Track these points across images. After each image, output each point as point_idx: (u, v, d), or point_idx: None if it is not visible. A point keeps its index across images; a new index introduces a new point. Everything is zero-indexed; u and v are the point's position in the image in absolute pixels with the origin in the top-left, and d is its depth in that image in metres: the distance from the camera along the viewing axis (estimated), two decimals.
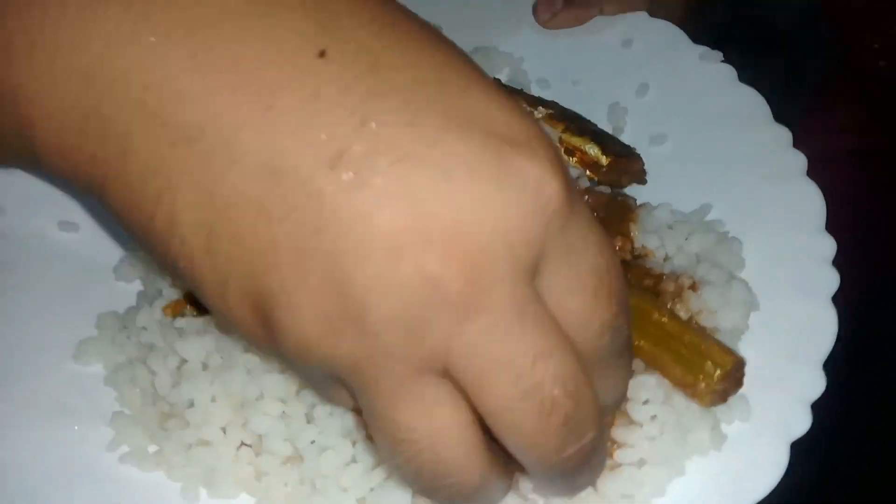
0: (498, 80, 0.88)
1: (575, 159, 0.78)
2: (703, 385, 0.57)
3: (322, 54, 0.32)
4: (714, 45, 0.88)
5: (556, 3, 0.92)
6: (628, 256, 0.69)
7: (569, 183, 0.35)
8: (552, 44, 0.93)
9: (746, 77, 0.84)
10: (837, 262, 0.67)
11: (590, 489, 0.53)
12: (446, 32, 0.90)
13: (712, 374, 0.56)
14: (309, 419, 0.58)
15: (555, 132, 0.79)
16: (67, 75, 0.32)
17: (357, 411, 0.52)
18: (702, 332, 0.60)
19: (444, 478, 0.36)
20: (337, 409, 0.57)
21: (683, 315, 0.63)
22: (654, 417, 0.57)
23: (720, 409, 0.59)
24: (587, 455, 0.38)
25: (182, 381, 0.60)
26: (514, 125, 0.34)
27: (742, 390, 0.60)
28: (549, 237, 0.34)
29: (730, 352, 0.58)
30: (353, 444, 0.57)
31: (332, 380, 0.37)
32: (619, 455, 0.55)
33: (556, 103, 0.85)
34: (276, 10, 0.32)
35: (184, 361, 0.61)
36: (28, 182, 0.74)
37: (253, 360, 0.59)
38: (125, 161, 0.32)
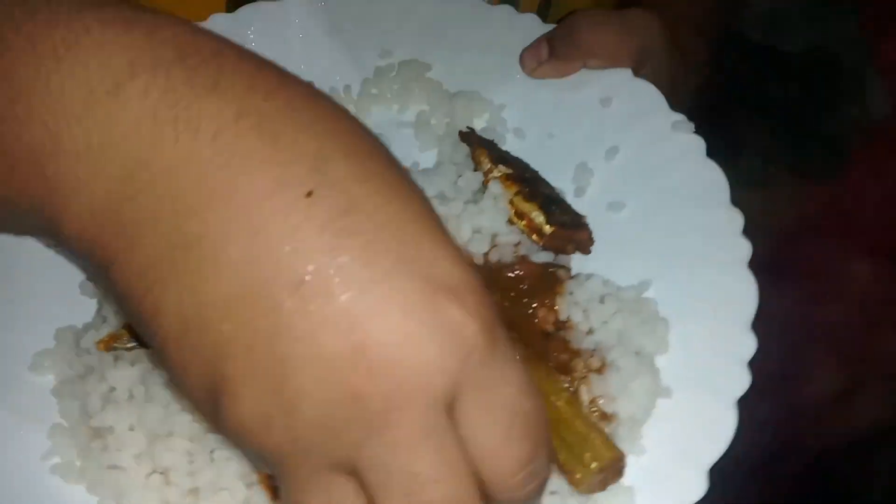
0: (472, 130, 0.90)
1: (524, 223, 0.80)
2: (579, 475, 0.59)
3: (309, 194, 0.38)
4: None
5: (542, 53, 0.93)
6: (550, 328, 0.71)
7: (492, 328, 0.40)
8: (534, 94, 0.94)
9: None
10: (754, 363, 0.67)
11: None
12: (437, 72, 0.92)
13: (589, 465, 0.59)
14: (211, 459, 0.63)
15: (507, 193, 0.81)
16: (105, 183, 0.39)
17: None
18: (589, 422, 0.61)
19: None
20: (236, 452, 0.61)
21: (586, 397, 0.65)
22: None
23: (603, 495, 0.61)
24: None
25: (108, 406, 0.66)
26: (453, 273, 0.39)
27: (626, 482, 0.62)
28: (465, 374, 0.38)
29: (611, 447, 0.60)
30: (248, 486, 0.62)
31: (260, 459, 0.42)
32: None
33: (520, 161, 0.86)
34: (281, 149, 0.39)
35: (113, 388, 0.67)
36: None
37: (170, 397, 0.65)
38: (132, 253, 0.39)
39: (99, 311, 0.76)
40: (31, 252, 0.80)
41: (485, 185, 0.82)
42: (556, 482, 0.59)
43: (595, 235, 0.81)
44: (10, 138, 0.39)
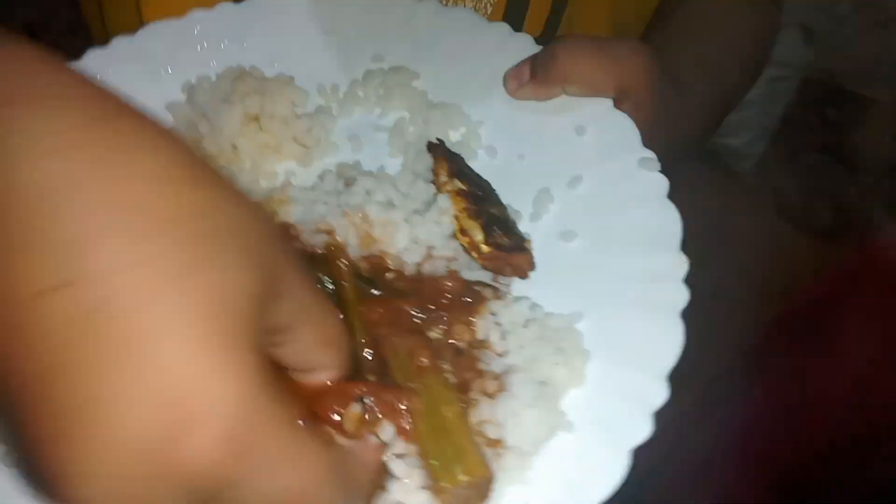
0: (440, 142, 0.91)
1: (466, 240, 0.80)
2: (444, 483, 0.59)
3: None
4: None
5: (524, 75, 0.93)
6: (462, 345, 0.71)
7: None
8: (512, 115, 0.94)
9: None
10: (659, 413, 0.65)
11: None
12: (424, 82, 0.92)
13: (456, 476, 0.58)
14: None
15: (454, 208, 0.81)
16: None
17: None
18: (471, 438, 0.61)
19: None
20: None
21: (474, 419, 0.65)
22: None
23: None
24: None
25: None
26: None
27: None
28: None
29: (484, 466, 0.59)
30: None
31: None
32: None
33: (479, 179, 0.87)
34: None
35: None
36: None
37: None
38: None
39: None
40: None
41: (436, 196, 0.83)
42: (418, 497, 0.59)
43: (540, 262, 0.80)
44: None
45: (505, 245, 0.77)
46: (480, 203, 0.81)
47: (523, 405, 0.64)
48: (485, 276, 0.77)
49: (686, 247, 0.79)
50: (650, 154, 0.85)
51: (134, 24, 1.01)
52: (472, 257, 0.79)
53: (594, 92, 0.91)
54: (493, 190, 0.86)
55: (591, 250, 0.81)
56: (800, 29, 2.22)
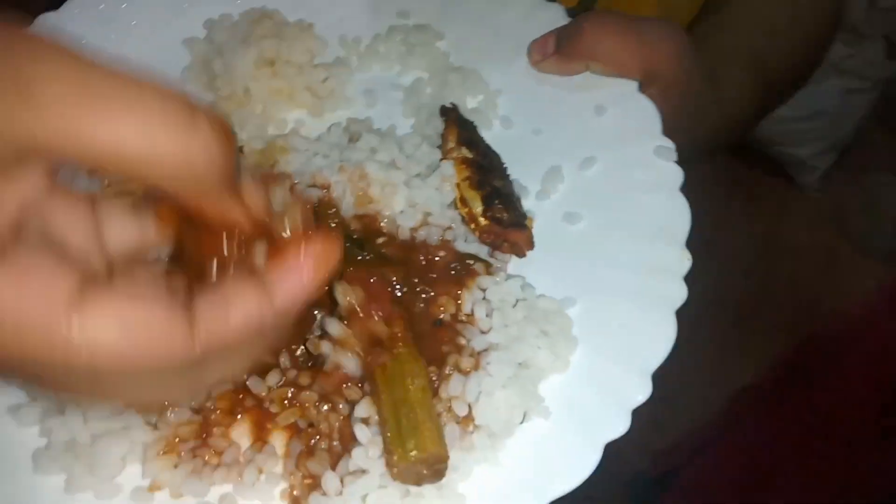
0: (454, 107, 0.88)
1: (465, 210, 0.78)
2: (395, 457, 0.58)
3: None
4: None
5: (548, 47, 0.89)
6: (446, 317, 0.69)
7: None
8: (533, 88, 0.91)
9: None
10: (638, 412, 0.64)
11: None
12: (447, 44, 0.94)
13: (409, 451, 0.58)
14: None
15: (457, 176, 0.79)
16: None
17: None
18: (431, 414, 0.60)
19: None
20: None
21: (444, 394, 0.63)
22: None
23: None
24: None
25: None
26: None
27: (462, 488, 0.60)
28: None
29: (438, 443, 0.58)
30: None
31: None
32: None
33: (489, 150, 0.84)
34: None
35: None
36: None
37: None
38: None
39: None
40: None
41: (440, 162, 0.80)
42: (378, 466, 0.58)
43: (540, 242, 0.78)
44: None
45: (504, 220, 0.75)
46: (485, 174, 0.79)
47: (497, 385, 0.63)
48: (481, 250, 0.75)
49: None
50: (668, 143, 0.82)
51: None
52: (470, 229, 0.77)
53: (619, 72, 0.87)
54: (503, 163, 0.84)
55: (594, 235, 0.78)
56: (883, 41, 2.10)
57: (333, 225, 0.70)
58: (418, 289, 0.69)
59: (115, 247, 0.47)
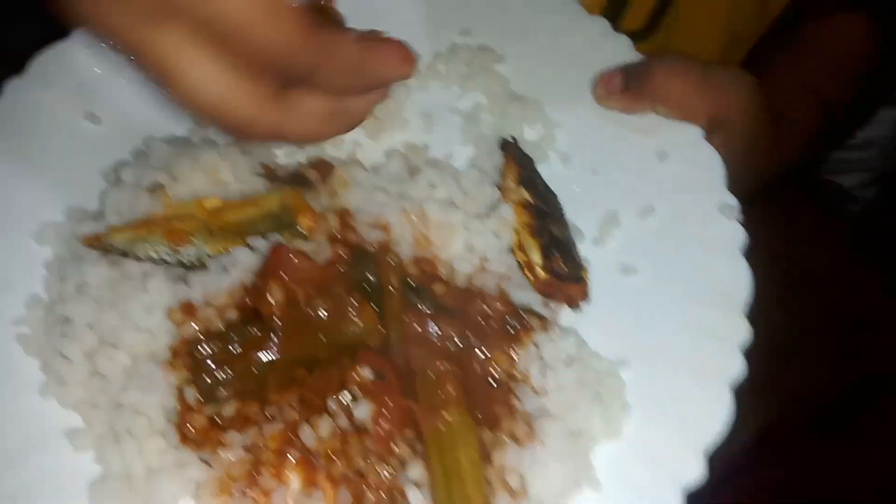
0: (514, 141, 0.86)
1: (523, 256, 0.77)
2: None
3: None
4: None
5: (615, 83, 0.87)
6: (500, 376, 0.69)
7: None
8: (594, 123, 0.89)
9: None
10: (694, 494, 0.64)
11: None
12: (508, 68, 0.93)
13: None
14: (139, 384, 0.66)
15: (516, 220, 0.78)
16: None
17: None
18: (482, 489, 0.61)
19: None
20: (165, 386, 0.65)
21: (497, 462, 0.64)
22: None
23: None
24: None
25: (78, 297, 0.70)
26: None
27: None
28: None
29: None
30: (168, 420, 0.66)
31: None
32: None
33: (548, 191, 0.83)
34: None
35: (85, 282, 0.71)
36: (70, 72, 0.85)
37: (129, 311, 0.68)
38: None
39: (102, 203, 0.79)
40: (67, 123, 0.85)
41: (499, 203, 0.79)
42: None
43: (595, 292, 0.77)
44: None
45: (563, 273, 0.74)
46: (544, 220, 0.78)
47: (552, 457, 0.63)
48: (534, 299, 0.75)
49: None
50: (732, 200, 0.80)
51: None
52: (526, 277, 0.76)
53: (686, 117, 0.85)
54: (560, 205, 0.82)
55: (650, 291, 0.77)
56: None
57: (394, 271, 0.70)
58: (474, 344, 0.69)
59: None
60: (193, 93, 0.52)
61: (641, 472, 0.65)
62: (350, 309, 0.68)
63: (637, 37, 0.96)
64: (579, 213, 0.83)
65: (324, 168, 0.79)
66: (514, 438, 0.64)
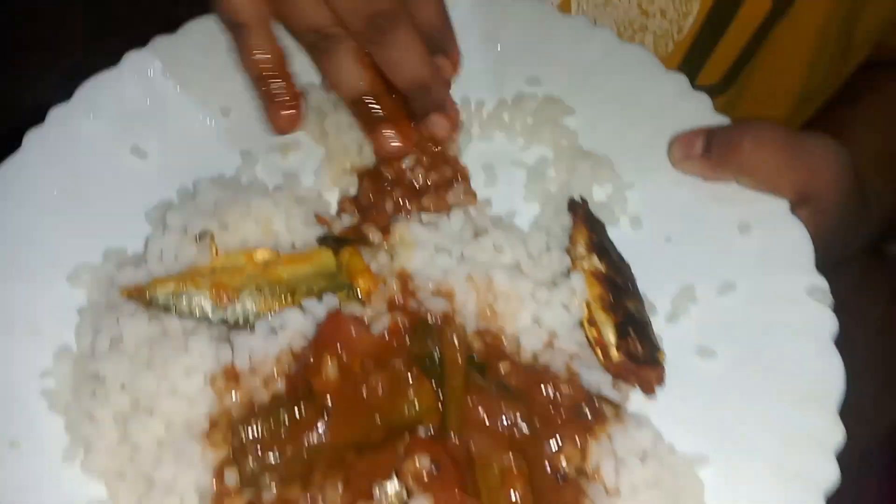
0: (584, 203, 0.80)
1: (594, 332, 0.71)
2: None
3: None
4: None
5: (696, 147, 0.81)
6: (570, 472, 0.62)
7: None
8: (669, 187, 0.82)
9: None
10: None
11: None
12: (578, 121, 0.90)
13: None
14: (175, 459, 0.60)
15: (587, 292, 0.72)
16: None
17: None
18: None
19: None
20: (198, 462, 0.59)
21: None
22: None
23: None
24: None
25: (111, 353, 0.65)
26: None
27: None
28: None
29: None
30: (201, 498, 0.60)
31: None
32: None
33: (620, 260, 0.77)
34: None
35: (121, 337, 0.65)
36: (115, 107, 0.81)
37: (167, 372, 0.62)
38: None
39: (145, 249, 0.74)
40: (112, 156, 0.80)
41: (569, 271, 0.73)
42: None
43: (669, 377, 0.71)
44: None
45: (639, 356, 0.68)
46: (619, 293, 0.71)
47: None
48: (604, 379, 0.68)
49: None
50: (823, 283, 0.73)
51: None
52: (596, 355, 0.70)
53: (771, 189, 0.78)
54: (633, 276, 0.76)
55: (730, 380, 0.70)
56: None
57: (457, 346, 0.63)
58: (542, 432, 0.62)
59: None
60: None
61: None
62: (408, 385, 0.62)
63: (712, 90, 0.91)
64: (651, 285, 0.77)
65: (383, 223, 0.73)
66: None
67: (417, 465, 0.57)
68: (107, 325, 0.67)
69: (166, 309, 0.66)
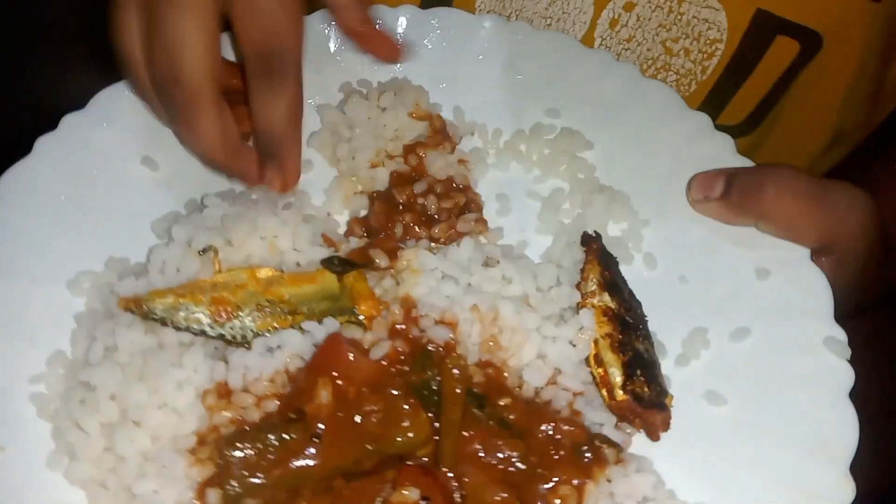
0: (597, 237, 0.79)
1: (600, 371, 0.68)
2: None
3: None
4: None
5: (715, 188, 0.79)
6: None
7: None
8: (686, 227, 0.80)
9: None
10: None
11: None
12: (596, 155, 0.87)
13: None
14: (159, 474, 0.58)
15: (596, 329, 0.69)
16: None
17: None
18: None
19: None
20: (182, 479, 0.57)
21: None
22: None
23: None
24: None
25: (105, 363, 0.63)
26: None
27: None
28: None
29: None
30: None
31: None
32: None
33: (631, 298, 0.74)
34: None
35: (115, 347, 0.64)
36: (126, 116, 0.81)
37: (158, 386, 0.61)
38: None
39: (148, 260, 0.73)
40: (122, 166, 0.80)
41: (578, 307, 0.71)
42: None
43: (675, 421, 0.68)
44: None
45: (645, 397, 0.65)
46: (628, 333, 0.69)
47: None
48: (607, 419, 0.66)
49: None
50: (841, 334, 0.71)
51: None
52: (601, 395, 0.67)
53: (792, 237, 0.76)
54: (644, 316, 0.74)
55: (739, 428, 0.68)
56: None
57: (458, 377, 0.61)
58: (538, 470, 0.60)
59: None
60: None
61: None
62: (403, 414, 0.60)
63: (734, 132, 0.89)
64: (663, 326, 0.74)
65: (391, 248, 0.71)
66: None
67: (406, 495, 0.55)
68: (103, 333, 0.66)
69: (163, 322, 0.64)
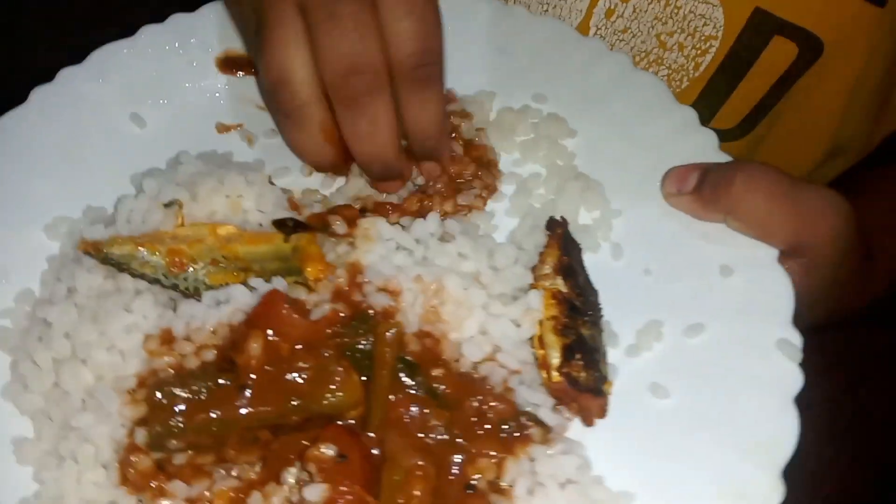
0: (563, 222, 0.79)
1: (542, 352, 0.68)
2: None
3: None
4: None
5: (687, 182, 0.78)
6: (481, 485, 0.60)
7: None
8: (657, 219, 0.80)
9: None
10: None
11: None
12: (578, 143, 0.86)
13: None
14: (93, 409, 0.61)
15: (543, 311, 0.69)
16: None
17: None
18: None
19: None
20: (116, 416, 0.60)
21: None
22: None
23: None
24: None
25: (64, 302, 0.67)
26: None
27: None
28: None
29: None
30: (115, 452, 0.60)
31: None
32: None
33: (587, 285, 0.74)
34: None
35: (74, 289, 0.67)
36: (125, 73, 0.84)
37: (109, 329, 0.64)
38: None
39: (115, 209, 0.76)
40: (111, 121, 0.83)
41: (530, 288, 0.71)
42: None
43: (615, 409, 0.68)
44: None
45: (580, 382, 0.65)
46: (574, 318, 0.69)
47: None
48: (545, 401, 0.66)
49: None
50: (795, 338, 0.69)
51: None
52: (541, 375, 0.68)
53: (762, 236, 0.75)
54: (599, 305, 0.74)
55: (677, 423, 0.67)
56: None
57: (390, 345, 0.63)
58: (458, 440, 0.60)
59: None
60: None
61: None
62: (334, 375, 0.61)
63: (726, 136, 0.87)
64: (619, 316, 0.74)
65: (351, 215, 0.73)
66: None
67: (322, 451, 0.56)
68: (66, 275, 0.69)
69: (120, 267, 0.67)
